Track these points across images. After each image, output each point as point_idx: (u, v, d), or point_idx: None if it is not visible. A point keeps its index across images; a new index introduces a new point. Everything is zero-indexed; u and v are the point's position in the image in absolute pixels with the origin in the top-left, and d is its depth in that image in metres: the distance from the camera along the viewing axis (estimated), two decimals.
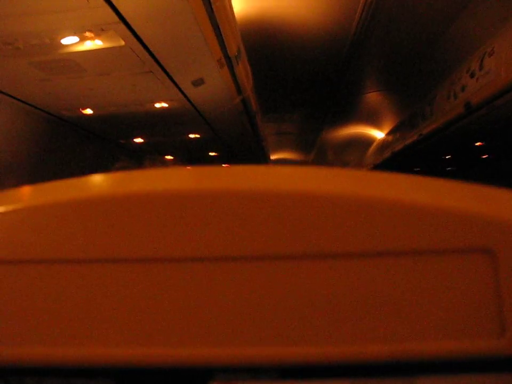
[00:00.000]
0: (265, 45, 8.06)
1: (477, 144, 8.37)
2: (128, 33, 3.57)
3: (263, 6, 6.74)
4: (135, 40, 3.71)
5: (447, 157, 10.21)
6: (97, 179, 0.71)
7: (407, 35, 7.69)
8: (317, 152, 19.80)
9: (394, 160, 11.06)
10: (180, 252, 0.53)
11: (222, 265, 0.52)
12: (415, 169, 12.40)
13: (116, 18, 3.31)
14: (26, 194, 0.67)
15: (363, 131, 15.42)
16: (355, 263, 0.51)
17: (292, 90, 10.99)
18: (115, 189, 0.61)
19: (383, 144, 12.10)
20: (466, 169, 11.36)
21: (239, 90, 5.82)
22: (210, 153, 9.90)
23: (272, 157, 19.09)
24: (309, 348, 0.51)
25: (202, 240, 0.52)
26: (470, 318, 0.50)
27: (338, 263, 0.51)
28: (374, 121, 14.08)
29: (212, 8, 3.69)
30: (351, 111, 13.16)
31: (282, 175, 0.67)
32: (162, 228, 0.53)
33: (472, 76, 5.86)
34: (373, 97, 11.88)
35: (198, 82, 4.94)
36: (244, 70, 5.59)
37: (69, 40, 3.66)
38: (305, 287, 0.51)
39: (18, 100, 5.07)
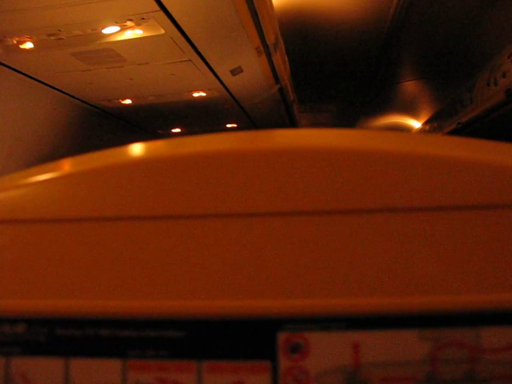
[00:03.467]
0: (301, 34, 8.03)
1: None
2: (168, 21, 3.60)
3: None
4: (174, 28, 3.73)
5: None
6: (153, 144, 0.73)
7: (445, 21, 7.55)
8: None
9: None
10: (257, 207, 0.54)
11: (287, 219, 0.54)
12: None
13: (156, 6, 3.34)
14: (80, 161, 0.69)
15: (400, 121, 15.23)
16: (411, 217, 0.52)
17: (328, 80, 10.92)
18: (168, 151, 0.63)
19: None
20: None
21: (276, 79, 5.81)
22: None
23: None
24: (373, 298, 0.52)
25: (269, 196, 0.54)
26: None
27: (412, 215, 0.52)
28: (411, 111, 13.90)
29: None
30: (388, 100, 13.00)
31: (316, 135, 0.69)
32: (230, 185, 0.55)
33: None
34: (409, 86, 11.71)
35: (236, 71, 4.95)
36: (281, 58, 5.58)
37: (110, 30, 3.71)
38: (367, 239, 0.52)
39: (60, 91, 5.15)
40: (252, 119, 7.35)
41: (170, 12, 3.47)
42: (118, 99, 5.69)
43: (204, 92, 5.52)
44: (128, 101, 5.76)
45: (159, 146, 0.71)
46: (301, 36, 8.04)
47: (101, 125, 6.44)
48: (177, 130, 7.76)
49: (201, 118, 6.97)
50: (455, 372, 0.51)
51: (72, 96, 5.39)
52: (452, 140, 0.65)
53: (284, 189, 0.54)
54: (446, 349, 0.51)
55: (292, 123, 8.78)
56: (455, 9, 7.16)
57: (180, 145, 0.69)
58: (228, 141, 0.68)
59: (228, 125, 7.68)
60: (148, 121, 6.99)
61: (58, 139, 5.67)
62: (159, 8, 3.38)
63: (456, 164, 0.52)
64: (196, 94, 5.60)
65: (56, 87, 5.01)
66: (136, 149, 0.69)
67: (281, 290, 0.53)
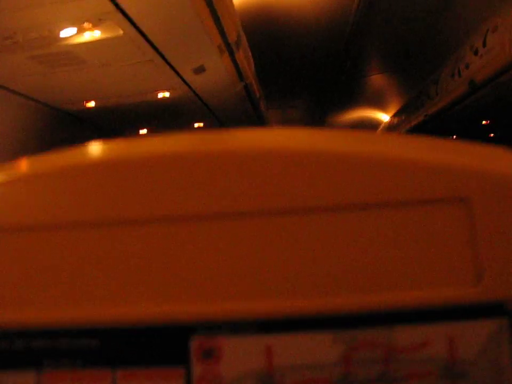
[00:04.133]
0: (265, 31, 8.03)
1: (483, 122, 8.32)
2: (126, 22, 3.56)
3: None
4: (133, 29, 3.70)
5: (453, 137, 10.16)
6: (100, 146, 0.71)
7: (409, 14, 7.62)
8: None
9: None
10: (157, 211, 0.53)
11: (197, 222, 0.53)
12: None
13: (112, 7, 3.31)
14: (27, 165, 0.67)
15: (369, 114, 15.37)
16: (331, 217, 0.51)
17: (295, 75, 10.95)
18: (117, 154, 0.62)
19: (389, 127, 12.06)
20: None
21: (241, 76, 5.79)
22: None
23: None
24: (286, 300, 0.52)
25: (177, 200, 0.53)
26: (446, 266, 0.50)
27: (313, 216, 0.51)
28: (380, 104, 14.03)
29: None
30: (356, 94, 13.10)
31: (269, 135, 0.68)
32: (144, 189, 0.54)
33: (475, 53, 5.81)
34: (377, 79, 11.81)
35: (199, 70, 4.92)
36: (244, 56, 5.57)
37: (67, 32, 3.66)
38: (281, 240, 0.52)
39: (20, 94, 5.07)
40: (218, 117, 7.34)
41: (127, 13, 3.43)
42: (82, 101, 5.62)
43: (168, 91, 5.49)
44: (92, 103, 5.70)
45: (108, 148, 0.70)
46: (265, 32, 8.04)
47: (67, 129, 6.35)
48: (145, 131, 7.70)
49: (167, 118, 6.93)
50: (369, 372, 0.51)
51: (34, 100, 5.31)
52: (394, 138, 0.65)
53: (195, 193, 0.53)
54: (360, 349, 0.51)
55: (259, 119, 8.79)
56: (418, 4, 7.24)
57: (133, 146, 0.68)
58: (181, 142, 0.66)
59: (196, 124, 7.65)
60: (114, 123, 6.93)
61: (21, 145, 5.58)
62: (115, 9, 3.34)
63: (388, 161, 0.52)
64: (160, 94, 5.57)
65: (16, 90, 4.93)
66: (84, 152, 0.68)
67: (193, 294, 0.53)
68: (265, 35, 8.11)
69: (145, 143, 0.65)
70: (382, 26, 8.24)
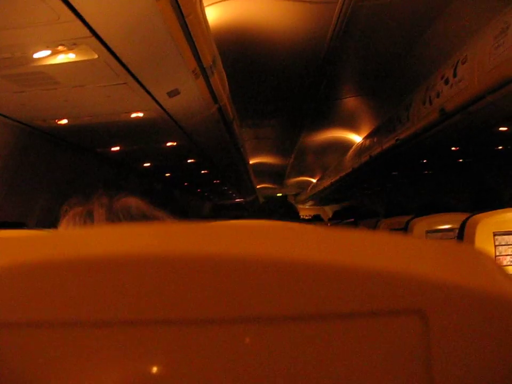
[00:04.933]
0: (241, 52, 8.08)
1: (453, 148, 8.46)
2: (101, 46, 3.55)
3: (238, 14, 6.75)
4: (108, 53, 3.68)
5: (424, 161, 10.31)
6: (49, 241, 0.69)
7: (383, 41, 7.76)
8: (296, 156, 19.90)
9: (372, 164, 11.13)
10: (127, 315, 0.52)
11: (154, 328, 0.52)
12: (393, 173, 12.48)
13: (88, 32, 3.29)
14: None
15: (341, 135, 15.52)
16: (282, 327, 0.50)
17: (269, 96, 11.01)
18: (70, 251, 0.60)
19: (361, 148, 12.15)
20: (443, 173, 11.48)
21: (215, 99, 5.81)
22: (188, 161, 9.86)
23: (251, 161, 19.07)
24: None
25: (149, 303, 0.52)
26: (399, 378, 0.50)
27: (264, 327, 0.50)
28: (352, 126, 14.19)
29: (185, 21, 3.69)
30: (329, 116, 13.22)
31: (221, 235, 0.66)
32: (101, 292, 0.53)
33: (446, 82, 5.94)
34: (350, 102, 11.96)
35: (173, 93, 4.92)
36: (219, 79, 5.58)
37: (41, 54, 3.63)
38: (226, 350, 0.51)
39: None
40: (191, 138, 7.32)
41: (102, 37, 3.42)
42: (54, 119, 5.56)
43: (142, 112, 5.47)
44: (64, 121, 5.64)
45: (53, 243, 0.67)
46: (240, 53, 8.08)
47: (37, 144, 6.26)
48: (117, 148, 7.65)
49: (141, 137, 6.90)
50: None
51: (3, 116, 5.23)
52: (348, 240, 0.61)
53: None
54: None
55: (232, 139, 8.81)
56: (392, 31, 7.37)
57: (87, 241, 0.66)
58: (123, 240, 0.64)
59: (168, 143, 7.63)
60: (86, 140, 6.86)
61: None
62: (90, 34, 3.33)
63: (345, 271, 0.51)
64: (133, 115, 5.53)
65: None
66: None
67: None
68: (240, 55, 8.16)
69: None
70: (356, 51, 8.38)
